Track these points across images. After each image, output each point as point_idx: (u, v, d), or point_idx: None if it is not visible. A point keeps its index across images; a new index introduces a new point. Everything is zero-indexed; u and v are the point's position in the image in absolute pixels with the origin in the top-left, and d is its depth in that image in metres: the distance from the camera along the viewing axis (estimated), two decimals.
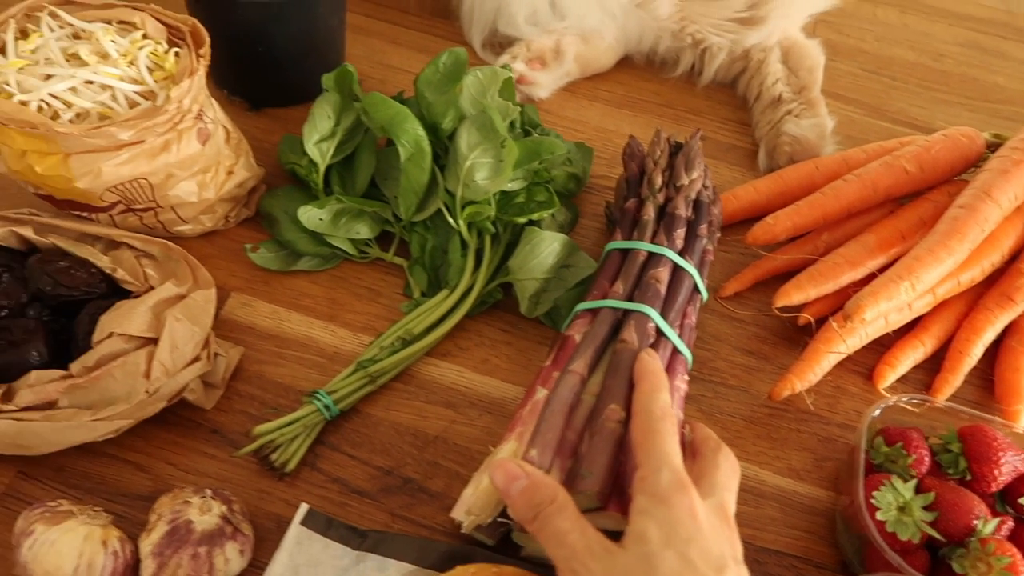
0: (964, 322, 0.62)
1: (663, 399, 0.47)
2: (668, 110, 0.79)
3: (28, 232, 0.57)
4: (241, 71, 0.69)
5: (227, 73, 0.72)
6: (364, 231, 0.64)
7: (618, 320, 0.54)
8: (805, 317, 0.60)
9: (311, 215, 0.61)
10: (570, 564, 0.41)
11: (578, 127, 0.76)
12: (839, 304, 0.62)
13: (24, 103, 0.52)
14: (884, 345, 0.62)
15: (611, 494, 0.46)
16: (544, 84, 0.76)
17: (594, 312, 0.55)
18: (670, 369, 0.53)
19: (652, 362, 0.50)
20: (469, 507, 0.50)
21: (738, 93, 0.80)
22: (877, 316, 0.57)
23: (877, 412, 0.53)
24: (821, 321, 0.62)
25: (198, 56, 0.57)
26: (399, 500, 0.54)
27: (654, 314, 0.54)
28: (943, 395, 0.60)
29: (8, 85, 0.53)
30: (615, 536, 0.43)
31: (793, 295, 0.60)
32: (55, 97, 0.54)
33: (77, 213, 0.61)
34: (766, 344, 0.64)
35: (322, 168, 0.64)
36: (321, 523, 0.52)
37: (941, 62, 0.86)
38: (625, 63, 0.81)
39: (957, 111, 0.81)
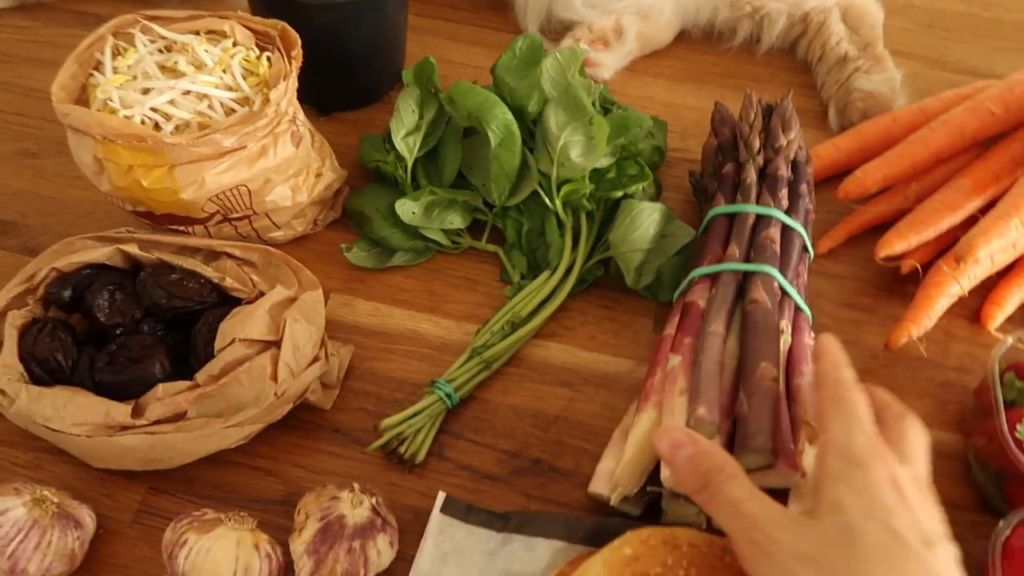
0: None
1: (849, 372, 0.43)
2: (730, 80, 0.79)
3: (133, 249, 0.57)
4: (312, 76, 0.69)
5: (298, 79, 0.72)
6: (457, 221, 0.64)
7: (740, 283, 0.54)
8: (911, 263, 0.60)
9: (407, 208, 0.61)
10: (750, 535, 0.37)
11: (645, 104, 0.76)
12: (939, 250, 0.62)
13: (128, 118, 0.53)
14: (986, 288, 0.62)
15: (779, 457, 0.45)
16: (608, 64, 0.76)
17: (713, 277, 0.55)
18: (796, 328, 0.53)
19: (832, 342, 0.46)
20: (616, 479, 0.50)
21: (798, 57, 0.80)
22: (987, 255, 0.57)
23: (1007, 347, 0.53)
24: (923, 269, 0.62)
25: (290, 59, 0.57)
26: (531, 481, 0.54)
27: (777, 274, 0.54)
28: None
29: (111, 101, 0.53)
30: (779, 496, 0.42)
31: (896, 244, 0.60)
32: (155, 110, 0.54)
33: (174, 228, 0.61)
34: (867, 297, 0.64)
35: (410, 162, 0.64)
36: (461, 510, 0.51)
37: (991, 10, 0.87)
38: (681, 37, 0.81)
39: (1016, 57, 0.82)
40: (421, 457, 0.54)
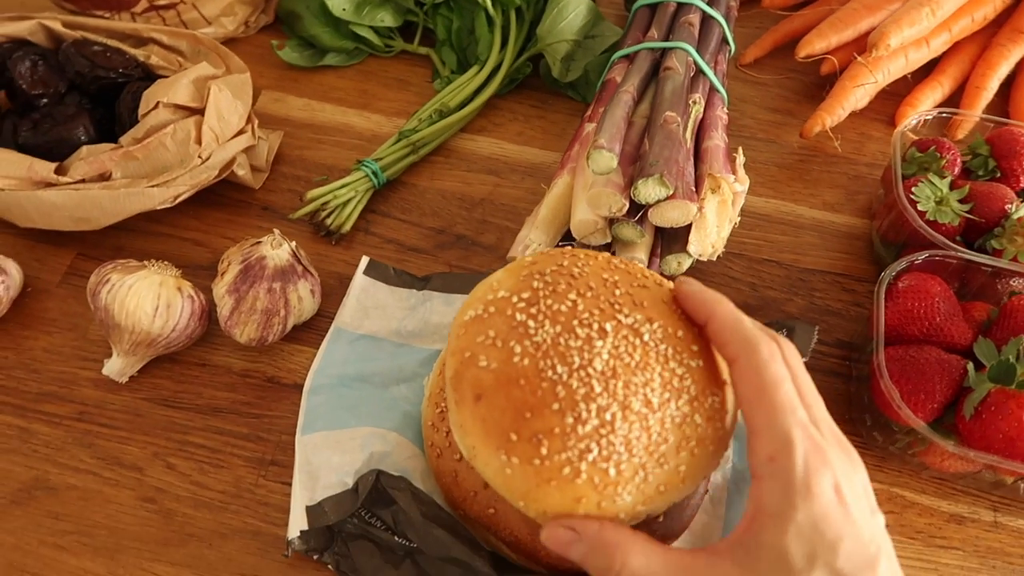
0: (979, 59, 0.64)
1: (750, 323, 0.35)
2: None
3: (56, 25, 0.56)
4: None
5: None
6: (387, 18, 0.64)
7: (656, 61, 0.56)
8: (831, 60, 0.62)
9: (336, 1, 0.62)
10: None
11: None
12: (860, 51, 0.63)
13: None
14: (903, 94, 0.65)
15: (677, 190, 0.47)
16: None
17: (631, 57, 0.57)
18: (710, 103, 0.55)
19: (693, 283, 0.38)
20: (530, 238, 0.52)
21: None
22: (900, 46, 0.58)
23: (913, 122, 0.55)
24: (842, 72, 0.63)
25: None
26: (454, 253, 0.56)
27: (691, 50, 0.55)
28: (963, 131, 0.62)
29: None
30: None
31: (816, 43, 0.62)
32: None
33: (100, 13, 0.60)
34: (790, 102, 0.66)
35: None
36: (383, 272, 0.53)
37: None
38: None
39: None
40: (347, 228, 0.55)
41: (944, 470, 0.47)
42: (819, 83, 0.66)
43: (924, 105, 0.63)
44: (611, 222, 0.49)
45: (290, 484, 0.45)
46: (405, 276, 0.53)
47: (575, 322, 0.37)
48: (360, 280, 0.53)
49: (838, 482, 0.32)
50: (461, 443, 0.36)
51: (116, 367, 0.48)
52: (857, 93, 0.60)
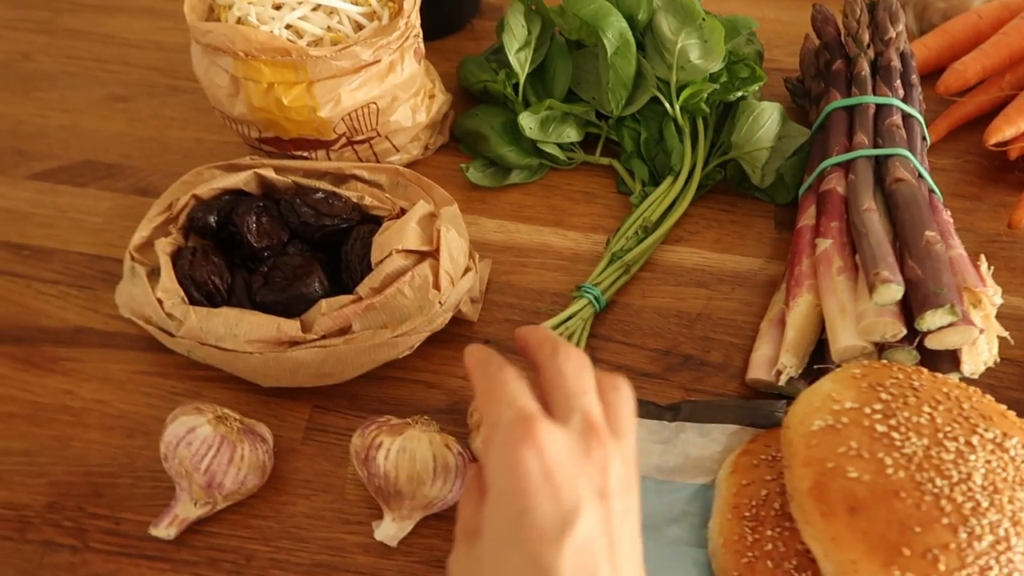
0: None
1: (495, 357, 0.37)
2: None
3: (269, 173, 0.56)
4: None
5: None
6: (572, 134, 0.64)
7: (873, 169, 0.56)
8: (1021, 147, 0.62)
9: (527, 122, 0.62)
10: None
11: None
12: None
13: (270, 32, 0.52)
14: None
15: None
16: None
17: (845, 165, 0.56)
18: (935, 207, 0.55)
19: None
20: (782, 362, 0.51)
21: None
22: None
23: None
24: None
25: None
26: (686, 376, 0.55)
27: (911, 156, 0.55)
28: None
29: (249, 18, 0.52)
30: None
31: (1005, 129, 0.62)
32: (288, 27, 0.53)
33: (299, 154, 0.60)
34: (974, 187, 0.66)
35: (522, 78, 0.64)
36: None
37: None
38: None
39: None
40: None
41: None
42: (1002, 166, 0.66)
43: None
44: (880, 347, 0.48)
45: None
46: (651, 407, 0.52)
47: (940, 435, 0.37)
48: None
49: (541, 443, 0.32)
50: (829, 558, 0.36)
51: (391, 532, 0.47)
52: None
